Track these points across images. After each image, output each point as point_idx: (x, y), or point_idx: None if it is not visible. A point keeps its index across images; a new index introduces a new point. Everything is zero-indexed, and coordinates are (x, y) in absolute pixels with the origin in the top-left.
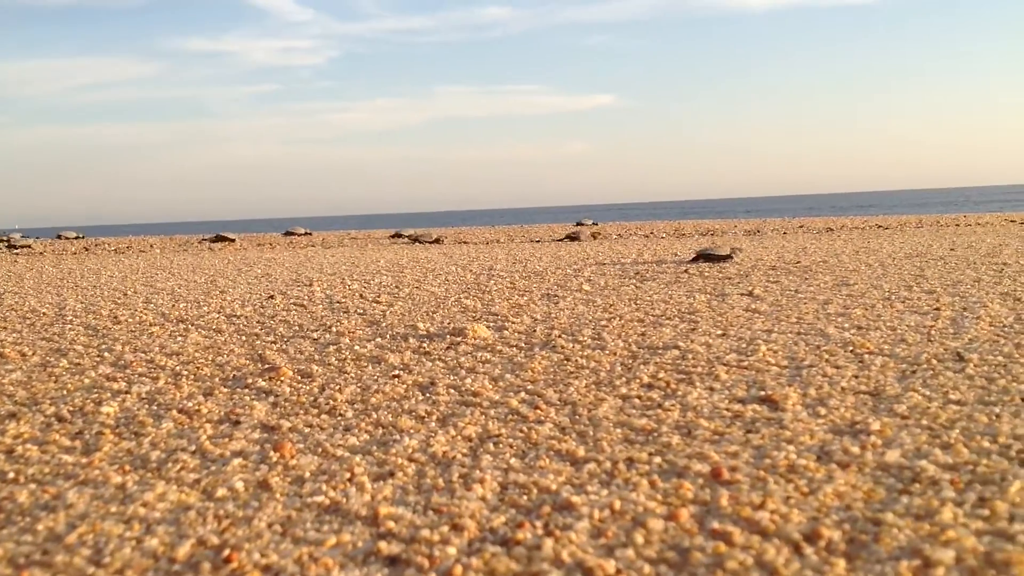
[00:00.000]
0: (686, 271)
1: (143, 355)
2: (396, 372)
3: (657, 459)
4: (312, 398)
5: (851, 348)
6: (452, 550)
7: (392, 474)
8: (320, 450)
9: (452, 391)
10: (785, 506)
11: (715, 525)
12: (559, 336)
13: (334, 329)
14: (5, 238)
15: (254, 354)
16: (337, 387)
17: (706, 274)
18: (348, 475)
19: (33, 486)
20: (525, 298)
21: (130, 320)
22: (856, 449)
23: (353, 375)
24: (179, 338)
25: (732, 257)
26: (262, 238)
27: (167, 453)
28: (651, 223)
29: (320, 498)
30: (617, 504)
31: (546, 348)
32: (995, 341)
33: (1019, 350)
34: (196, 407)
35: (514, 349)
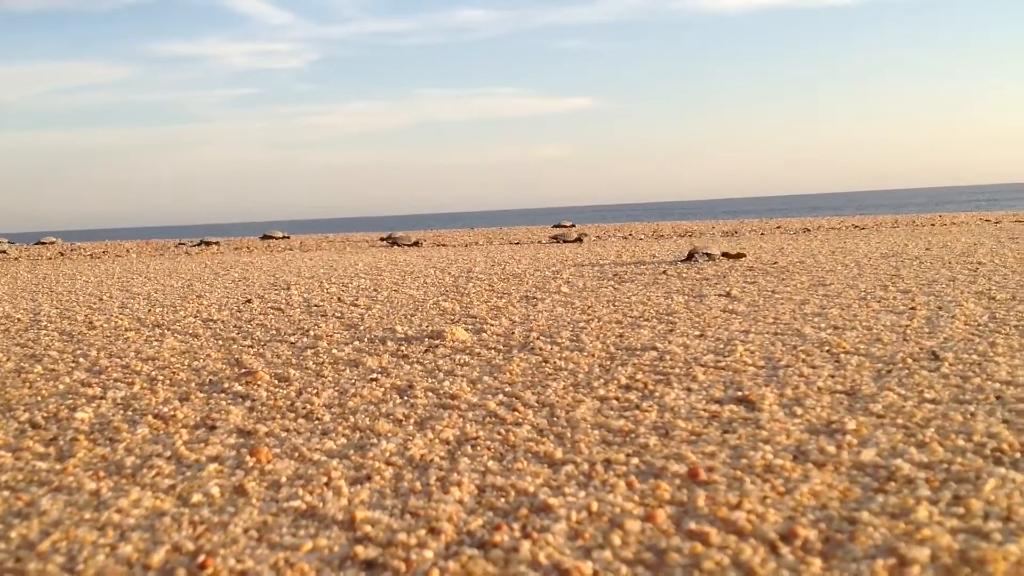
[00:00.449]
0: (664, 272)
1: (118, 360)
2: (374, 375)
3: (635, 460)
4: (289, 402)
5: (827, 348)
6: (429, 554)
7: (369, 478)
8: (297, 454)
9: (430, 394)
10: (762, 506)
11: (692, 526)
12: (537, 338)
13: (312, 333)
14: None
15: (231, 358)
16: (314, 391)
17: (684, 275)
18: (325, 479)
19: (6, 493)
20: (504, 300)
21: (105, 325)
22: (832, 448)
23: (331, 379)
24: (155, 343)
25: (744, 256)
26: (240, 242)
27: (142, 459)
28: (629, 225)
29: (296, 503)
30: (594, 506)
31: (524, 350)
32: (970, 340)
33: (994, 348)
34: (172, 412)
35: (492, 351)
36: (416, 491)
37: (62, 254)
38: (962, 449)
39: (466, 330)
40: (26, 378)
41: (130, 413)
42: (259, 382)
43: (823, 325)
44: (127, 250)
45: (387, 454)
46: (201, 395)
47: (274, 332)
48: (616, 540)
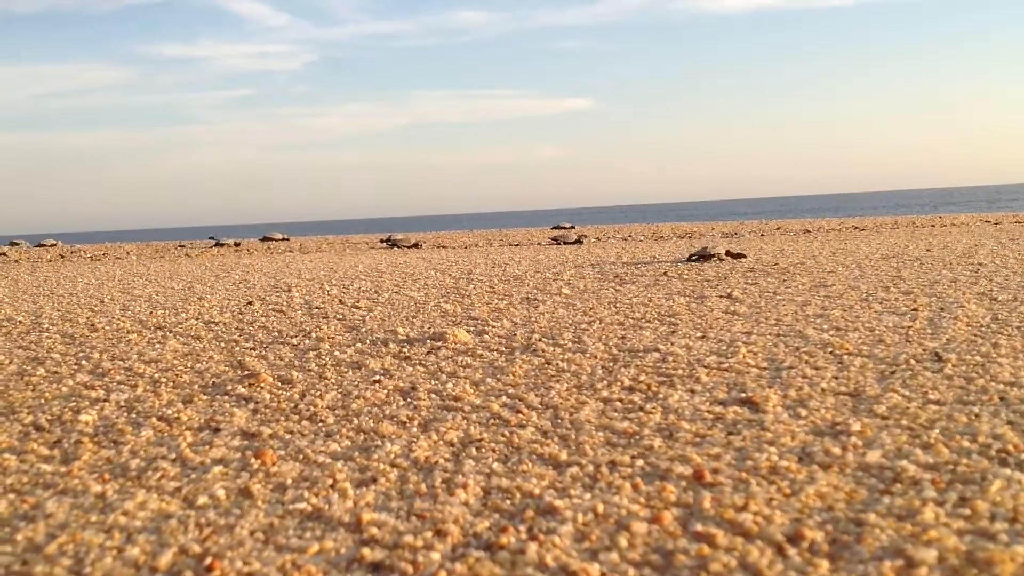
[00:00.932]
0: (665, 274)
1: (121, 363)
2: (377, 377)
3: (639, 462)
4: (293, 404)
5: (830, 349)
6: (436, 556)
7: (374, 480)
8: (301, 457)
9: (433, 396)
10: (768, 507)
11: (698, 527)
12: (540, 340)
13: (314, 335)
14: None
15: (233, 361)
16: (318, 393)
17: (685, 277)
18: (330, 481)
19: (12, 496)
20: (505, 302)
21: (107, 328)
22: (837, 450)
23: (334, 381)
24: (157, 345)
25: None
26: (247, 244)
27: (147, 461)
28: (629, 226)
29: (302, 505)
30: (600, 507)
31: (527, 352)
32: (973, 341)
33: (997, 349)
34: (175, 415)
35: (495, 353)
36: (422, 493)
37: (62, 256)
38: (967, 450)
39: (468, 332)
40: (29, 381)
41: (134, 415)
42: (262, 384)
43: (825, 326)
44: (127, 252)
45: (392, 456)
46: (204, 397)
47: (276, 334)
48: (623, 542)
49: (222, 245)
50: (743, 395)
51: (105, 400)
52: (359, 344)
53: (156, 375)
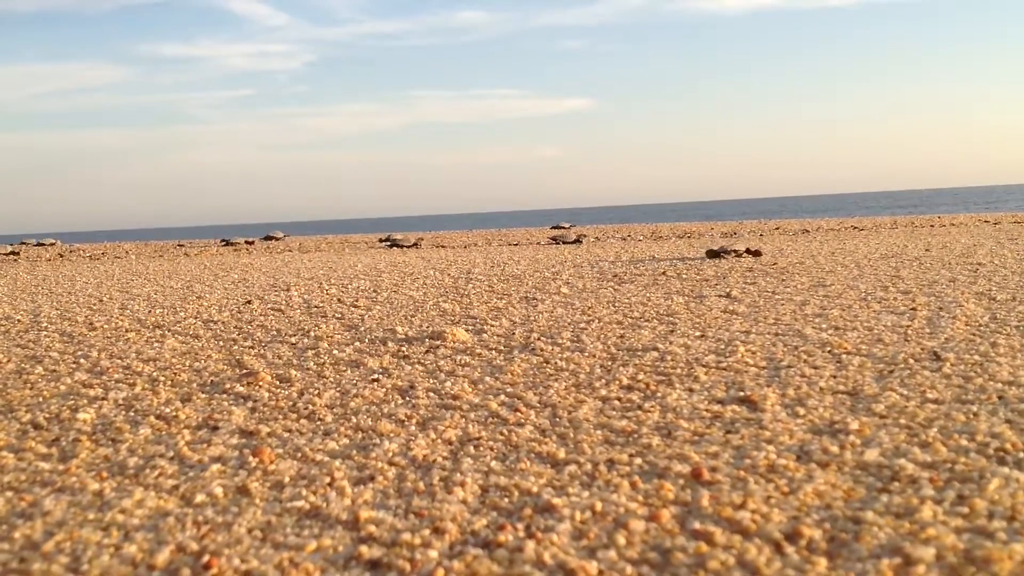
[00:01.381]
0: (664, 273)
1: (119, 361)
2: (375, 376)
3: (638, 460)
4: (291, 403)
5: (829, 348)
6: (434, 553)
7: (372, 478)
8: (299, 455)
9: (432, 394)
10: (766, 506)
11: (696, 525)
12: (538, 339)
13: (312, 334)
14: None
15: (232, 359)
16: (316, 392)
17: (684, 276)
18: (328, 480)
19: (9, 494)
20: (504, 301)
21: (106, 326)
22: (835, 448)
23: (332, 379)
24: (156, 344)
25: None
26: (238, 244)
27: (145, 459)
28: (627, 226)
29: (300, 503)
30: (598, 505)
31: (525, 351)
32: (971, 340)
33: (995, 349)
34: (174, 413)
35: (493, 352)
36: (420, 491)
37: (61, 255)
38: (965, 449)
39: (467, 331)
40: (27, 379)
41: (132, 414)
42: (260, 383)
43: (824, 326)
44: (126, 251)
45: (390, 454)
46: (203, 396)
47: (275, 333)
48: (621, 540)
49: (232, 244)
50: (741, 394)
51: (103, 398)
52: (358, 343)
53: (154, 373)
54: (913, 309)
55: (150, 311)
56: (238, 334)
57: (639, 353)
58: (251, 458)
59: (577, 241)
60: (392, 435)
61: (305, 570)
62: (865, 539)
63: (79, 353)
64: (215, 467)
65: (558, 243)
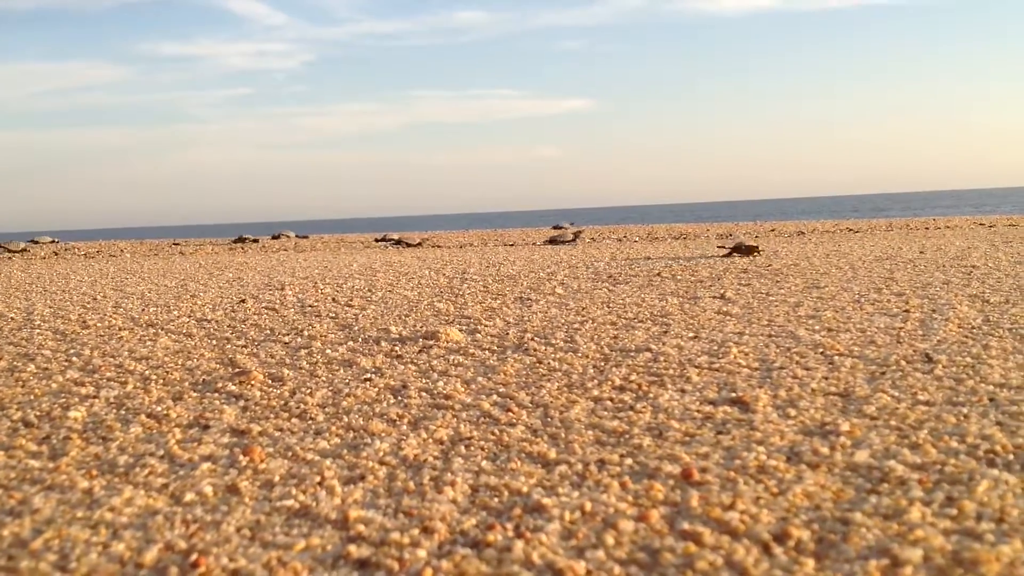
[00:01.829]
0: (658, 274)
1: (112, 360)
2: (368, 376)
3: (628, 461)
4: (283, 402)
5: (821, 350)
6: (422, 553)
7: (363, 477)
8: (290, 454)
9: (424, 394)
10: (755, 506)
11: (685, 526)
12: (532, 339)
13: (306, 333)
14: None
15: (224, 358)
16: (308, 391)
17: (679, 277)
18: (318, 479)
19: None
20: (498, 301)
21: (99, 325)
22: (825, 450)
23: (324, 379)
24: (148, 342)
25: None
26: (246, 240)
27: (135, 458)
28: (624, 227)
29: (290, 502)
30: (588, 506)
31: (519, 351)
32: (963, 343)
33: (987, 351)
34: (165, 411)
35: (486, 352)
36: (410, 491)
37: (56, 254)
38: (955, 451)
39: (460, 331)
40: (19, 377)
41: (123, 412)
42: (253, 382)
43: (817, 327)
44: (121, 250)
45: (381, 454)
46: (194, 394)
47: (268, 332)
48: (610, 540)
49: (243, 241)
50: (733, 395)
51: (95, 397)
52: (351, 342)
53: (147, 372)
54: (906, 311)
55: (144, 309)
56: (231, 333)
57: (632, 354)
58: (242, 457)
59: (573, 241)
60: (383, 435)
61: (293, 569)
62: (853, 540)
63: (71, 351)
64: (205, 466)
65: (554, 243)
